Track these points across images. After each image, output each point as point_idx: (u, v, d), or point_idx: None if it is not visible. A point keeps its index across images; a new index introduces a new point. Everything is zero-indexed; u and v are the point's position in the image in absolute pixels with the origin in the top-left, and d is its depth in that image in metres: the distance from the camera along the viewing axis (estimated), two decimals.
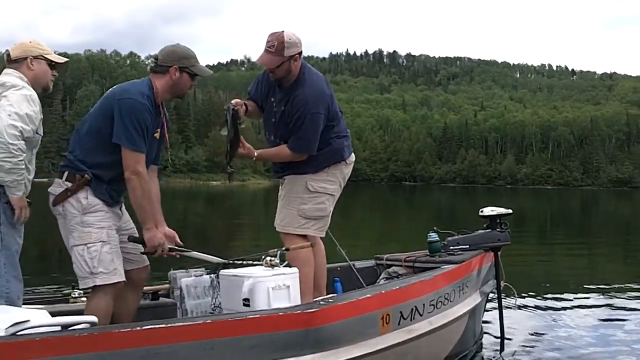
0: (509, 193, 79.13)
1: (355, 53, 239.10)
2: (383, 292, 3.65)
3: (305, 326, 3.15)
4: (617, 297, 7.25)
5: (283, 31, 3.85)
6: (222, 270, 3.91)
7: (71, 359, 2.59)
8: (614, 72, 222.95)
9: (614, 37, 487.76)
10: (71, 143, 3.53)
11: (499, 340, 4.90)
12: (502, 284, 4.87)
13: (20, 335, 2.59)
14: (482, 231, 4.77)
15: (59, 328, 2.73)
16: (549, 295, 7.11)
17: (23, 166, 3.25)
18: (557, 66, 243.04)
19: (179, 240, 3.75)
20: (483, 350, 4.75)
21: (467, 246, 4.65)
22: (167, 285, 4.16)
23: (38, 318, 2.75)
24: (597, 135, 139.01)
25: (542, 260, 11.50)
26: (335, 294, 4.10)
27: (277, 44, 3.79)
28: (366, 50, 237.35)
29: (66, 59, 3.73)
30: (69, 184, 3.37)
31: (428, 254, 4.67)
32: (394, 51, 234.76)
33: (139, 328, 2.80)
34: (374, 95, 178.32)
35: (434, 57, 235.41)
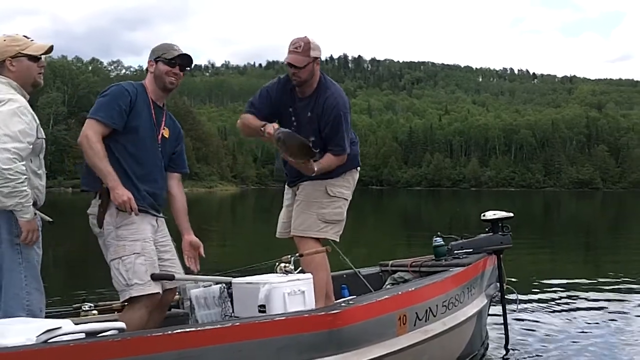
0: (473, 196, 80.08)
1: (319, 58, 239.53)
2: (400, 293, 3.73)
3: (329, 327, 3.21)
4: (579, 292, 7.59)
5: (306, 36, 3.97)
6: (234, 279, 3.97)
7: None
8: (574, 76, 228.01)
9: (573, 42, 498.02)
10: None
11: (503, 342, 5.02)
12: (505, 286, 4.99)
13: (53, 342, 2.59)
14: (485, 235, 4.89)
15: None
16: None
17: (24, 189, 3.11)
18: (518, 70, 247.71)
19: (202, 252, 3.82)
20: (489, 352, 4.85)
21: (471, 250, 4.76)
22: (177, 297, 4.18)
23: (67, 326, 2.76)
24: (558, 138, 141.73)
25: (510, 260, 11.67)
26: (353, 297, 4.17)
27: (304, 45, 3.90)
28: (331, 55, 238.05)
29: (48, 45, 3.41)
30: (99, 201, 3.43)
31: (433, 258, 4.77)
32: (359, 56, 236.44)
33: (170, 332, 2.84)
34: None
35: (398, 61, 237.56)
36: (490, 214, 4.86)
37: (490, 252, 4.84)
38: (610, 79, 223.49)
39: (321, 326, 3.19)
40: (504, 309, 5.00)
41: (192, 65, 3.78)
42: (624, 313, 6.50)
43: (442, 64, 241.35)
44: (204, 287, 4.12)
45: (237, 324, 3.05)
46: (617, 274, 9.30)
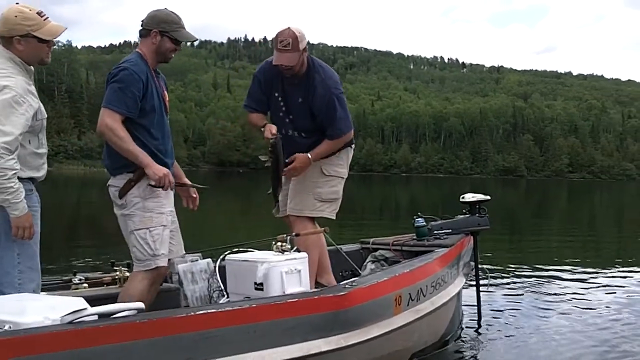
0: (404, 181, 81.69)
1: (253, 39, 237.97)
2: (397, 275, 3.81)
3: (336, 308, 3.27)
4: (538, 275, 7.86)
5: (289, 27, 3.92)
6: (228, 256, 3.97)
7: (131, 345, 2.61)
8: (501, 66, 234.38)
9: (500, 33, 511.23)
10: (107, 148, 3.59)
11: (476, 320, 5.19)
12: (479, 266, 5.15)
13: (80, 322, 2.59)
14: (463, 216, 5.02)
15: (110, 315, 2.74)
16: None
17: (10, 185, 2.99)
18: (448, 59, 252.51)
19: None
20: (464, 330, 4.99)
21: (450, 230, 4.89)
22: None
23: (89, 307, 2.72)
24: (485, 126, 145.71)
25: None
26: (354, 278, 4.22)
27: (292, 41, 3.85)
28: (265, 37, 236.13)
29: (62, 29, 3.26)
30: (130, 174, 3.45)
31: (415, 237, 4.86)
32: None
33: (193, 313, 2.88)
34: None
35: (332, 46, 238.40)
36: (469, 196, 4.99)
37: (468, 232, 4.97)
38: (536, 70, 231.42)
39: (329, 307, 3.26)
40: (478, 289, 5.17)
41: None
42: (582, 293, 6.86)
43: (375, 50, 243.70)
44: (191, 261, 4.12)
45: (254, 305, 3.07)
46: (550, 258, 9.77)
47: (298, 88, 4.00)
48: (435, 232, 4.85)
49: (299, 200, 4.11)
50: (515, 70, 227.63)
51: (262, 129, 3.95)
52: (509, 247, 12.47)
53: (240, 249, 4.10)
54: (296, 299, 3.22)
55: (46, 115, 3.29)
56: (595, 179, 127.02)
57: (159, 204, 3.51)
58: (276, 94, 4.07)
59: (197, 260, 4.15)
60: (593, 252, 12.12)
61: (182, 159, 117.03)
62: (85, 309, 2.65)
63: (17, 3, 3.22)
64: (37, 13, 3.19)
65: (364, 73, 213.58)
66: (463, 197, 5.00)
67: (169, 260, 3.95)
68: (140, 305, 2.88)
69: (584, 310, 5.93)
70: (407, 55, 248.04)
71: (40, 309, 2.62)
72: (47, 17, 3.22)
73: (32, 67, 3.25)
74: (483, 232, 5.05)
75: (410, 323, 3.82)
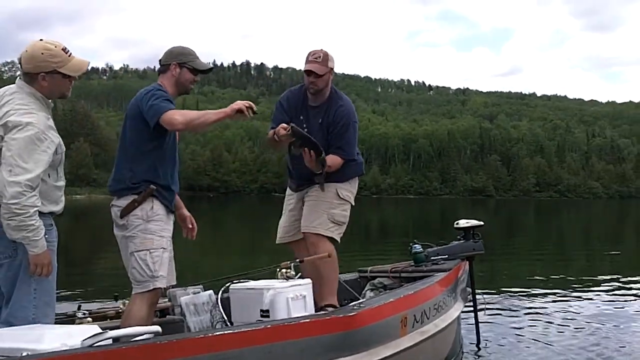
0: (375, 203, 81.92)
1: (222, 64, 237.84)
2: (402, 296, 3.95)
3: (345, 329, 3.37)
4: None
5: (322, 48, 4.22)
6: (232, 285, 4.09)
7: None
8: (467, 88, 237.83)
9: (465, 56, 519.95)
10: (118, 164, 3.67)
11: (475, 343, 5.36)
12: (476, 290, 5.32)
13: (101, 345, 2.64)
14: (458, 242, 5.20)
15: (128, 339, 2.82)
16: None
17: (32, 222, 3.02)
18: (415, 81, 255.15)
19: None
20: (464, 353, 5.15)
21: (446, 256, 5.06)
22: (168, 303, 4.23)
23: (106, 332, 2.79)
24: (453, 147, 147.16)
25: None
26: (360, 300, 4.34)
27: (323, 55, 4.16)
28: (234, 62, 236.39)
29: (86, 65, 3.31)
30: (135, 196, 3.53)
31: (413, 264, 5.02)
32: (262, 63, 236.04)
33: (210, 335, 2.99)
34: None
35: (301, 70, 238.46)
36: (463, 222, 5.17)
37: (464, 258, 5.15)
38: (501, 91, 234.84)
39: (340, 327, 3.35)
40: (476, 312, 5.33)
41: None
42: (567, 311, 7.14)
43: (343, 73, 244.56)
44: (193, 293, 4.21)
45: (269, 326, 3.18)
46: (530, 276, 10.01)
47: (319, 111, 4.24)
48: (432, 258, 5.01)
49: (314, 218, 4.27)
50: (481, 92, 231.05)
51: (276, 138, 4.06)
52: (487, 268, 12.73)
53: (241, 279, 4.23)
54: (309, 320, 3.32)
55: (64, 149, 3.33)
56: (562, 198, 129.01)
57: (160, 227, 3.59)
58: (301, 117, 4.29)
59: (199, 292, 4.25)
60: (572, 269, 12.63)
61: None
62: (104, 332, 2.70)
63: (40, 40, 3.25)
64: (62, 49, 3.23)
65: None
66: (457, 223, 5.19)
67: (168, 291, 4.07)
68: (158, 328, 2.93)
69: (572, 323, 6.38)
70: (375, 79, 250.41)
71: (58, 337, 2.68)
72: (71, 53, 3.28)
73: (51, 101, 3.30)
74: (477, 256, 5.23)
75: (416, 344, 3.95)
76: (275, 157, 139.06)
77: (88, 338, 2.64)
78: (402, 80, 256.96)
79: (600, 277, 10.07)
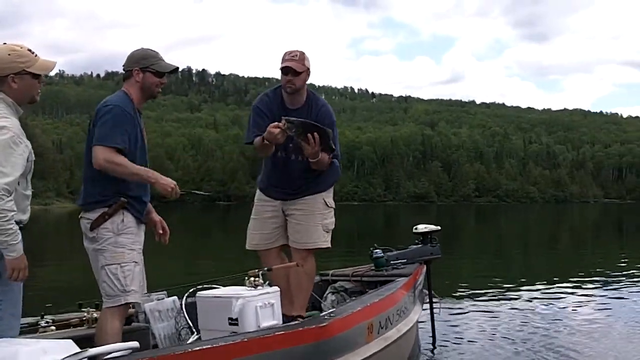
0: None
1: None
2: (368, 304, 4.02)
3: (317, 339, 3.41)
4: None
5: (298, 49, 4.27)
6: (199, 292, 4.07)
7: None
8: (409, 96, 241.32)
9: (407, 64, 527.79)
10: (85, 177, 3.62)
11: (431, 343, 5.48)
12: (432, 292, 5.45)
13: None
14: (417, 246, 5.32)
15: (110, 356, 2.79)
16: None
17: (9, 226, 2.99)
18: (358, 89, 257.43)
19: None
20: (421, 355, 5.27)
21: (405, 260, 5.16)
22: (132, 310, 4.19)
23: (86, 350, 2.76)
24: (396, 154, 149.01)
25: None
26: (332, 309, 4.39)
27: (299, 54, 4.20)
28: (177, 67, 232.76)
29: (54, 64, 3.30)
30: (106, 209, 3.46)
31: (373, 268, 5.10)
32: (203, 69, 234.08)
33: (190, 350, 2.98)
34: (185, 114, 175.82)
35: (243, 76, 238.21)
36: (421, 227, 5.30)
37: (422, 262, 5.26)
38: (442, 99, 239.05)
39: (312, 338, 3.40)
40: (432, 314, 5.45)
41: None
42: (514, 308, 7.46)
43: None
44: (157, 300, 4.18)
45: (246, 339, 3.18)
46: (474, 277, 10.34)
47: (300, 113, 4.21)
48: (392, 262, 5.11)
49: (312, 232, 4.32)
50: (423, 99, 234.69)
51: (267, 133, 4.03)
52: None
53: (205, 286, 4.22)
54: (283, 332, 3.35)
55: (34, 157, 3.28)
56: (500, 203, 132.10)
57: (131, 240, 3.53)
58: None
59: (163, 299, 4.22)
60: (513, 269, 13.38)
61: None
62: (84, 351, 2.66)
63: (4, 43, 3.23)
64: (28, 50, 3.22)
65: None
66: (416, 228, 5.31)
67: None
68: (136, 344, 2.89)
69: (518, 320, 6.85)
70: (318, 86, 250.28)
71: (33, 354, 2.62)
72: (37, 54, 3.26)
73: (21, 110, 3.25)
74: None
75: (381, 350, 4.03)
76: (219, 165, 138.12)
77: (67, 357, 2.59)
78: (346, 87, 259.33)
79: (540, 277, 10.74)
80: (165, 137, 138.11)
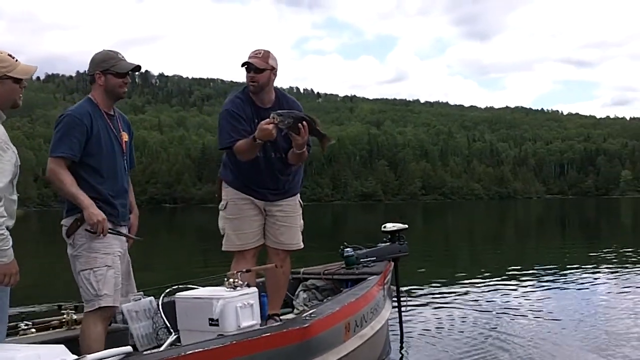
0: (200, 210, 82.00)
1: None
2: (346, 304, 4.07)
3: (300, 339, 3.47)
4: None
5: (264, 48, 4.28)
6: (178, 293, 4.07)
7: None
8: (354, 95, 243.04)
9: (352, 64, 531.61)
10: None
11: (398, 340, 5.57)
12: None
13: None
14: (385, 244, 5.40)
15: None
16: None
17: (2, 232, 2.98)
18: (304, 89, 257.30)
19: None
20: (391, 350, 5.35)
21: (374, 258, 5.23)
22: None
23: (64, 353, 2.75)
24: (343, 154, 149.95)
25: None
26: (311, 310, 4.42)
27: (264, 52, 4.20)
28: None
29: (34, 68, 3.30)
30: (78, 215, 3.49)
31: (344, 266, 5.15)
32: (146, 71, 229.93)
33: (183, 354, 2.99)
34: (129, 116, 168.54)
35: (187, 77, 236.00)
36: (390, 226, 5.38)
37: (390, 259, 5.34)
38: (387, 98, 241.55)
39: (295, 339, 3.45)
40: (400, 311, 5.54)
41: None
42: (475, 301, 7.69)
43: (232, 81, 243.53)
44: (134, 300, 4.15)
45: (233, 342, 3.21)
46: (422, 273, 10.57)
47: (272, 111, 4.13)
48: (362, 260, 5.17)
49: (294, 234, 4.44)
50: (368, 99, 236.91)
51: (256, 133, 4.02)
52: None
53: (180, 286, 4.22)
54: (269, 334, 3.38)
55: (20, 162, 3.24)
56: (446, 200, 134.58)
57: (105, 244, 3.56)
58: (255, 121, 4.19)
59: (139, 299, 4.20)
60: (460, 265, 13.79)
61: (33, 198, 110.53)
62: (83, 357, 2.68)
63: None
64: (8, 55, 3.21)
65: (220, 105, 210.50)
66: (384, 227, 5.39)
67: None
68: (129, 349, 2.93)
69: (472, 313, 7.10)
70: None
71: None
72: (17, 60, 3.24)
73: (4, 116, 3.22)
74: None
75: (357, 348, 4.08)
76: (164, 167, 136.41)
77: None
78: (291, 87, 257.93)
79: (488, 271, 11.09)
80: None
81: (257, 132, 3.98)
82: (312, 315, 3.71)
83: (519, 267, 11.60)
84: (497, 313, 7.08)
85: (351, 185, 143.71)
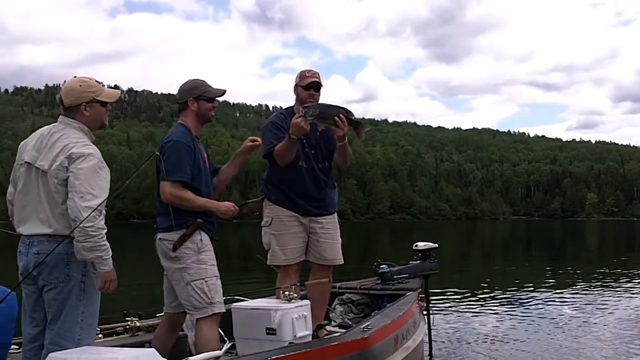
0: (234, 227, 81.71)
1: None
2: (395, 317, 4.37)
3: (360, 349, 3.78)
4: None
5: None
6: (234, 304, 4.34)
7: None
8: None
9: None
10: (160, 204, 3.91)
11: (427, 350, 5.88)
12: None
13: None
14: (416, 262, 5.71)
15: None
16: None
17: (104, 243, 3.27)
18: (272, 107, 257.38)
19: None
20: None
21: (407, 275, 5.53)
22: None
23: (156, 356, 3.00)
24: None
25: None
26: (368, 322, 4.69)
27: (318, 74, 4.61)
28: None
29: (118, 93, 3.70)
30: (184, 230, 3.78)
31: (379, 282, 5.44)
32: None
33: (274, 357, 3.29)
34: (97, 131, 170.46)
35: (157, 93, 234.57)
36: (421, 245, 5.70)
37: (421, 276, 5.65)
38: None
39: (356, 349, 3.75)
40: (429, 325, 5.84)
41: None
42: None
43: None
44: None
45: (309, 349, 3.53)
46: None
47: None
48: (395, 277, 5.46)
49: (337, 250, 4.70)
50: None
51: (291, 130, 4.29)
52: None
53: (235, 297, 4.51)
54: (337, 342, 3.70)
55: None
56: (414, 220, 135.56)
57: (210, 256, 3.89)
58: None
59: None
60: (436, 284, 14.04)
61: (2, 212, 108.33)
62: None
63: (75, 77, 3.57)
64: (96, 81, 3.56)
65: None
66: (416, 245, 5.70)
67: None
68: (219, 353, 3.29)
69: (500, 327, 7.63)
70: (233, 103, 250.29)
71: None
72: (103, 85, 3.59)
73: (94, 137, 3.54)
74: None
75: (403, 359, 4.38)
76: (133, 183, 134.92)
77: None
78: (260, 105, 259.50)
79: (454, 292, 11.45)
80: None
81: (290, 129, 4.30)
82: (369, 327, 4.01)
83: (485, 286, 12.14)
84: (458, 334, 7.40)
85: None
